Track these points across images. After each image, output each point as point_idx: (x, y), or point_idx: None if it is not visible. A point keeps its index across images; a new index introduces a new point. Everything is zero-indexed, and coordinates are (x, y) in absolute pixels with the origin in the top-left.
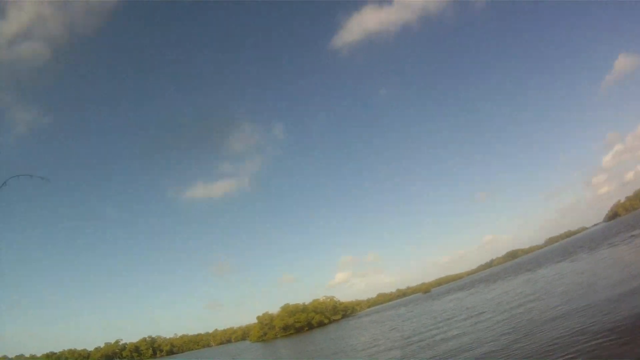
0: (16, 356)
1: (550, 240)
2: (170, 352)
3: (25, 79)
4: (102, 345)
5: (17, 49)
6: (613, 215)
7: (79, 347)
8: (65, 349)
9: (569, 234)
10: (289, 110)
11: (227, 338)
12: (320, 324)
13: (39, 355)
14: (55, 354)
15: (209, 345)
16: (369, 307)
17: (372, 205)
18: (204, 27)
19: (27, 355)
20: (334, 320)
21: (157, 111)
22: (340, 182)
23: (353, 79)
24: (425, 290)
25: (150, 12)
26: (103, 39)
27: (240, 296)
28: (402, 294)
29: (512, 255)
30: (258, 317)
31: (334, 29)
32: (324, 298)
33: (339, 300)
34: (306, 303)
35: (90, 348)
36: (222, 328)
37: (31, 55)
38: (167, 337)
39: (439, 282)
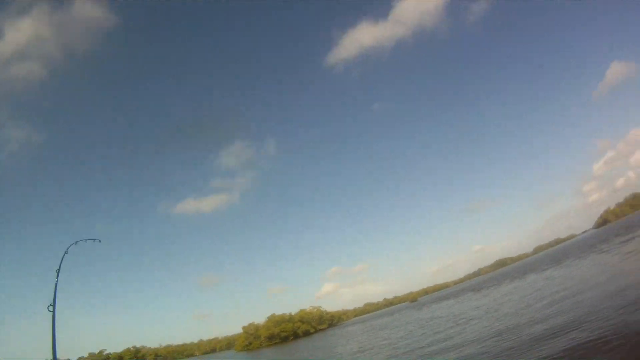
0: None
1: (539, 248)
2: None
3: (20, 97)
4: (85, 355)
5: (13, 68)
6: (603, 222)
7: (62, 357)
8: (48, 359)
9: (557, 242)
10: (282, 125)
11: (212, 348)
12: (306, 334)
13: None
14: None
15: (193, 355)
16: (355, 316)
17: (362, 216)
18: (197, 43)
19: None
20: (320, 330)
21: (149, 127)
22: (331, 195)
23: (347, 94)
24: (413, 300)
25: (143, 36)
26: (97, 60)
27: (228, 307)
28: (389, 303)
29: (501, 263)
30: (243, 327)
31: (329, 45)
32: (310, 308)
33: (325, 310)
34: (292, 313)
35: (74, 358)
36: (208, 338)
37: (27, 75)
38: (152, 347)
39: (427, 292)
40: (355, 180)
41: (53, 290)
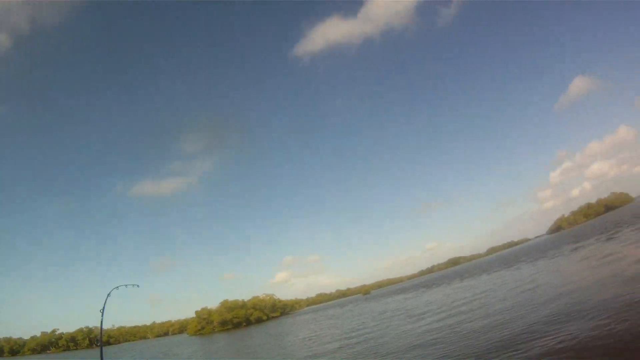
0: None
1: (492, 250)
2: (107, 343)
3: None
4: (38, 334)
5: None
6: (556, 228)
7: (15, 336)
8: (1, 337)
9: (511, 244)
10: (244, 112)
11: (165, 331)
12: (259, 321)
13: None
14: None
15: (145, 338)
16: (308, 306)
17: (319, 207)
18: (161, 26)
19: None
20: (273, 318)
21: (110, 108)
22: (289, 185)
23: (311, 87)
24: (365, 292)
25: (110, 11)
26: (64, 35)
27: (181, 292)
28: (341, 294)
29: (454, 262)
30: (196, 312)
31: (297, 36)
32: (263, 295)
33: (278, 298)
34: (246, 300)
35: (26, 337)
36: (161, 322)
37: None
38: (105, 328)
39: (380, 285)
40: (314, 172)
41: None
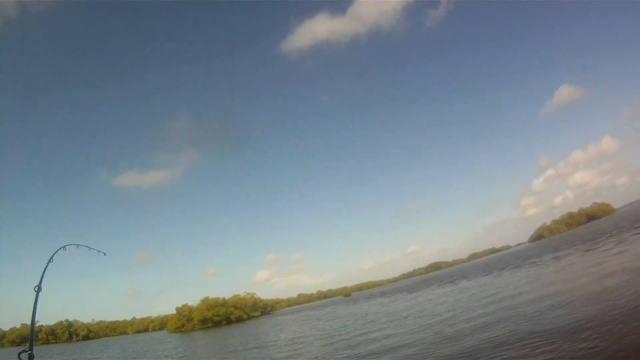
0: None
1: (474, 256)
2: (87, 337)
3: None
4: (18, 326)
5: None
6: (538, 236)
7: None
8: None
9: (492, 251)
10: (230, 106)
11: (145, 327)
12: (239, 320)
13: None
14: None
15: (125, 333)
16: (289, 306)
17: (302, 206)
18: (148, 19)
19: None
20: (253, 317)
21: (96, 96)
22: (272, 182)
23: (297, 83)
24: (347, 294)
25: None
26: (50, 19)
27: (161, 287)
28: (322, 295)
29: (435, 266)
30: (177, 309)
31: (284, 32)
32: (244, 294)
33: (259, 298)
34: (226, 298)
35: (5, 328)
36: (140, 317)
37: None
38: (85, 322)
39: (360, 287)
40: (299, 169)
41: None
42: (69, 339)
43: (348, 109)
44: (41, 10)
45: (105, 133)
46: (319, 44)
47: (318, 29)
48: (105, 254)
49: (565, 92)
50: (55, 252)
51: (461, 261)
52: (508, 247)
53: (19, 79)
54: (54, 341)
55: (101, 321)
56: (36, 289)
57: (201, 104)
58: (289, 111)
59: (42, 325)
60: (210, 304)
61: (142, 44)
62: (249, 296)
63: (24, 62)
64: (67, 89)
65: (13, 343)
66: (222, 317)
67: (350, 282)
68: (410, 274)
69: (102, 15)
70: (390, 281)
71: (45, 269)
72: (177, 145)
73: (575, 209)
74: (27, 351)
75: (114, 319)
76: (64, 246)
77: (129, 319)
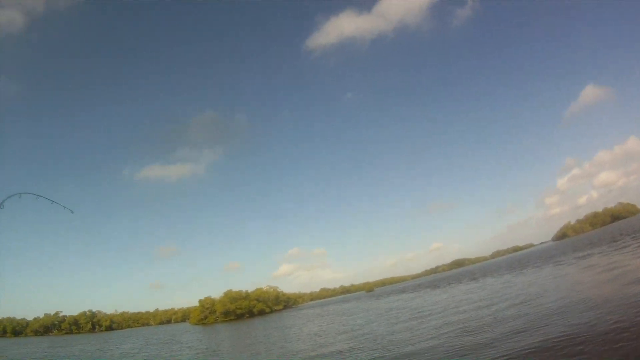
0: None
1: (497, 253)
2: (110, 328)
3: None
4: (41, 315)
5: None
6: (562, 235)
7: (18, 316)
8: (4, 316)
9: (516, 249)
10: (254, 102)
11: (167, 318)
12: (262, 313)
13: None
14: None
15: (148, 324)
16: (311, 300)
17: (326, 201)
18: (175, 15)
19: None
20: (276, 310)
21: (122, 91)
22: (296, 177)
23: (322, 80)
24: (369, 290)
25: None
26: (79, 16)
27: (184, 279)
28: (345, 290)
29: (458, 263)
30: (200, 301)
31: (310, 29)
32: (267, 287)
33: (282, 291)
34: (249, 291)
35: (30, 318)
36: (163, 309)
37: (6, 22)
38: (108, 313)
39: (383, 283)
40: (322, 165)
41: None
42: (92, 329)
43: (372, 107)
44: (70, 5)
45: (131, 128)
46: (344, 41)
47: (344, 26)
48: (72, 212)
49: (590, 92)
50: (7, 198)
51: (484, 259)
52: (531, 245)
53: (48, 74)
54: (77, 331)
55: (124, 312)
56: None
57: (226, 101)
58: (312, 107)
59: (65, 316)
60: (233, 297)
61: (169, 41)
62: (272, 289)
63: (53, 58)
64: (94, 87)
65: (36, 332)
66: (245, 310)
67: (372, 278)
68: (433, 271)
69: (128, 16)
70: (413, 277)
71: None
72: (202, 141)
73: (600, 209)
74: None
75: (136, 311)
76: (19, 193)
77: (151, 310)
